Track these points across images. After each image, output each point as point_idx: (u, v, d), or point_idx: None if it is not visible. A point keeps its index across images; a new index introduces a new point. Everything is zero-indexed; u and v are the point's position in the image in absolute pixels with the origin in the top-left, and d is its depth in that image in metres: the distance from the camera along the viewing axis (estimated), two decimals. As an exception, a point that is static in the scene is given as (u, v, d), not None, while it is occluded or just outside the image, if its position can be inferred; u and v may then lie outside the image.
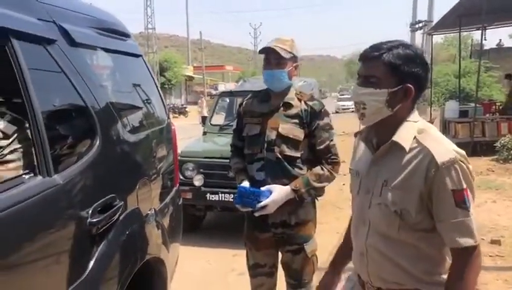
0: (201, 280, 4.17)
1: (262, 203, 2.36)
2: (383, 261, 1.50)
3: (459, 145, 1.47)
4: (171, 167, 2.77)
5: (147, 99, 2.60)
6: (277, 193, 2.39)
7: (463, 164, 1.38)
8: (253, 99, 2.60)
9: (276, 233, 2.54)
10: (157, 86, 2.79)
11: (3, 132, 1.59)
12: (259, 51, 2.49)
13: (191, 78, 48.89)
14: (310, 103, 2.49)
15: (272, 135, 2.45)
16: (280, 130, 2.44)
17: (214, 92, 36.63)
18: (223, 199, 4.94)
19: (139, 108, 2.50)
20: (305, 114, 2.47)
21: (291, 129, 2.45)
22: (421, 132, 1.44)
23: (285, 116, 2.47)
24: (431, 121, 13.53)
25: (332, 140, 2.53)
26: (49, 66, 1.70)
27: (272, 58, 2.42)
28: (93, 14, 2.24)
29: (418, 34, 23.56)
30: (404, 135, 1.43)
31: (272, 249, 2.61)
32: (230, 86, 26.72)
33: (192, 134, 6.38)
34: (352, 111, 16.65)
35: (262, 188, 2.40)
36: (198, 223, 5.78)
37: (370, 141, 1.55)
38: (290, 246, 2.55)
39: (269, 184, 2.43)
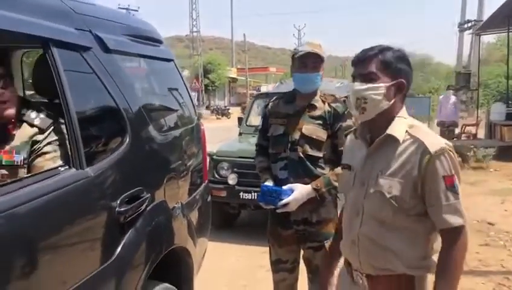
0: (231, 275, 4.33)
1: (283, 201, 2.45)
2: (375, 248, 1.62)
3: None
4: (200, 164, 2.93)
5: (177, 101, 2.78)
6: (298, 191, 2.48)
7: (451, 153, 1.54)
8: (279, 101, 2.71)
9: (298, 230, 2.63)
10: (187, 88, 2.97)
11: (39, 127, 1.79)
12: (298, 55, 2.54)
13: (234, 80, 49.46)
14: (333, 105, 2.57)
15: (296, 135, 2.55)
16: (303, 130, 2.54)
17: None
18: (255, 197, 5.07)
19: (168, 109, 2.68)
20: (329, 116, 2.55)
21: (314, 130, 2.54)
22: (411, 126, 1.60)
23: (310, 118, 2.56)
24: (477, 123, 13.16)
25: None
26: (84, 70, 1.90)
27: (310, 61, 2.51)
28: (128, 22, 2.44)
29: (467, 35, 22.83)
30: (397, 128, 1.59)
31: (294, 245, 2.71)
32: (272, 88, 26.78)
33: (234, 135, 6.56)
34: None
35: (284, 187, 2.49)
36: (232, 221, 5.95)
37: (364, 137, 1.69)
38: (311, 243, 2.63)
39: (291, 183, 2.52)
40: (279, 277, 2.78)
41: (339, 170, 2.56)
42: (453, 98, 12.51)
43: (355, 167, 1.72)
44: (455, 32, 24.02)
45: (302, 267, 2.77)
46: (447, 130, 12.40)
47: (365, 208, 1.64)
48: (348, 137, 1.88)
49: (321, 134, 2.54)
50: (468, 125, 13.28)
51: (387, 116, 1.61)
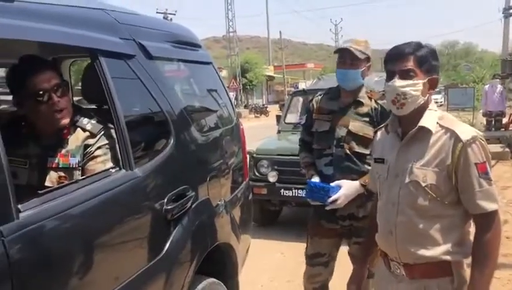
0: (275, 271, 4.40)
1: (333, 198, 2.47)
2: (412, 236, 1.67)
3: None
4: (240, 163, 3.01)
5: (216, 102, 2.87)
6: (346, 188, 2.49)
7: (482, 141, 1.59)
8: (323, 96, 2.72)
9: (344, 225, 2.64)
10: (225, 89, 3.06)
11: (90, 132, 1.92)
12: (335, 51, 2.62)
13: (271, 78, 49.49)
14: (381, 102, 2.56)
15: (342, 132, 2.55)
16: (351, 127, 2.54)
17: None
18: (296, 194, 5.12)
19: (209, 110, 2.78)
20: (375, 113, 2.56)
21: (361, 127, 2.55)
22: (441, 118, 1.66)
23: (356, 114, 2.57)
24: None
25: None
26: (130, 77, 2.01)
27: (347, 58, 2.53)
28: (168, 29, 2.55)
29: (512, 20, 21.83)
30: (429, 121, 1.65)
31: (335, 238, 2.72)
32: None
33: (273, 133, 6.61)
34: (441, 104, 15.74)
35: (332, 184, 2.50)
36: (274, 218, 6.02)
37: (395, 131, 1.75)
38: (357, 238, 2.63)
39: (337, 179, 2.53)
40: (315, 271, 2.77)
41: None
42: (499, 87, 12.07)
43: (388, 160, 1.77)
44: (500, 18, 22.99)
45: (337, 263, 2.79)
46: (494, 120, 12.00)
47: (401, 198, 1.69)
48: (378, 133, 1.93)
49: (368, 131, 2.52)
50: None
51: (420, 110, 1.67)
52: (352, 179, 2.52)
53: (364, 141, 2.54)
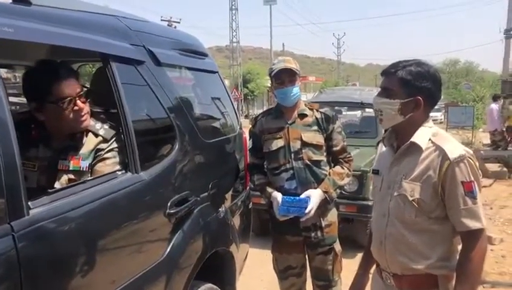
0: (270, 281, 4.39)
1: (308, 209, 2.56)
2: (399, 248, 1.72)
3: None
4: (241, 171, 3.05)
5: (221, 110, 2.92)
6: (315, 197, 2.61)
7: (471, 160, 1.62)
8: (265, 118, 2.85)
9: (307, 236, 2.74)
10: (230, 99, 3.11)
11: (103, 137, 1.97)
12: (272, 73, 2.70)
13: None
14: (322, 110, 2.75)
15: (297, 145, 2.69)
16: (304, 138, 2.69)
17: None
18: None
19: (213, 118, 2.83)
20: (321, 120, 2.72)
21: (313, 136, 2.71)
22: (435, 135, 1.70)
23: (304, 126, 2.72)
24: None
25: (345, 140, 2.78)
26: (139, 82, 2.06)
27: (286, 77, 2.67)
28: (177, 37, 2.61)
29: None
30: (421, 137, 1.69)
31: (302, 251, 2.83)
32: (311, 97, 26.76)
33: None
34: (441, 122, 15.85)
35: (302, 195, 2.61)
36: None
37: (391, 145, 1.81)
38: (322, 248, 2.76)
39: (301, 191, 2.64)
40: (288, 283, 2.89)
41: (338, 169, 2.73)
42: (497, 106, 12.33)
43: (382, 172, 1.84)
44: (501, 39, 23.18)
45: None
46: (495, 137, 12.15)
47: (390, 210, 1.75)
48: (380, 144, 1.99)
49: (319, 139, 2.71)
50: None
51: (412, 126, 1.72)
52: (314, 188, 2.65)
53: (318, 148, 2.71)
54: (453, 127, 13.71)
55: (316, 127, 2.72)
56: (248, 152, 3.00)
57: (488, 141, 13.45)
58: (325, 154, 2.74)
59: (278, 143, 2.73)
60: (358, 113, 7.52)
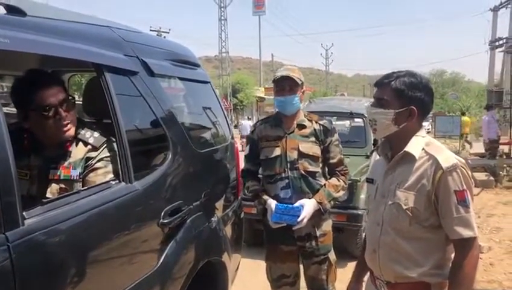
0: (262, 290, 4.39)
1: (301, 218, 2.57)
2: (393, 256, 1.74)
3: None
4: (234, 181, 3.06)
5: (213, 120, 2.93)
6: (308, 206, 2.62)
7: (463, 169, 1.65)
8: (264, 125, 2.86)
9: (302, 246, 2.75)
10: (222, 109, 3.12)
11: (92, 145, 1.97)
12: (274, 80, 2.74)
13: (262, 99, 49.82)
14: (321, 122, 2.77)
15: (294, 155, 2.70)
16: (301, 149, 2.70)
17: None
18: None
19: (206, 127, 2.84)
20: (319, 132, 2.73)
21: (310, 147, 2.71)
22: (428, 144, 1.72)
23: (302, 136, 2.73)
24: (510, 142, 12.92)
25: (342, 153, 2.80)
26: (132, 93, 2.07)
27: (286, 85, 2.69)
28: (169, 48, 2.62)
29: (498, 52, 22.41)
30: (414, 146, 1.71)
31: (296, 260, 2.84)
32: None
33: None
34: (428, 131, 16.04)
35: (296, 204, 2.62)
36: (263, 239, 6.01)
37: (385, 154, 1.83)
38: (316, 258, 2.77)
39: (295, 200, 2.65)
40: None
41: (334, 181, 2.74)
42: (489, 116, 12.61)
43: (377, 180, 1.86)
44: (486, 50, 23.60)
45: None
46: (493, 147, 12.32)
47: (384, 218, 1.77)
48: (373, 154, 2.01)
49: (316, 150, 2.72)
50: (502, 144, 13.05)
51: (406, 136, 1.74)
52: (308, 198, 2.66)
53: (315, 160, 2.72)
54: (440, 136, 13.86)
55: (313, 138, 2.73)
56: (244, 158, 2.99)
57: (476, 150, 13.65)
58: (320, 165, 2.75)
59: (275, 151, 2.74)
60: (347, 123, 7.56)
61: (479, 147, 15.02)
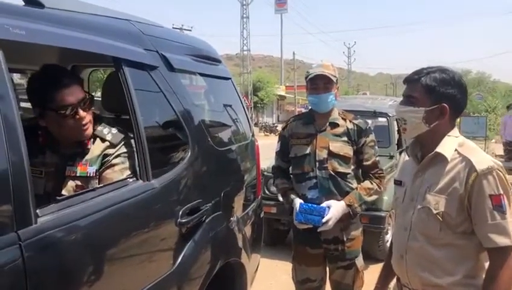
0: (281, 291, 4.32)
1: (326, 219, 2.48)
2: (422, 263, 1.63)
3: None
4: (254, 180, 2.99)
5: (234, 118, 2.87)
6: (335, 208, 2.52)
7: (500, 172, 1.53)
8: (296, 122, 2.77)
9: (328, 249, 2.65)
10: (243, 106, 3.06)
11: (110, 142, 1.92)
12: (308, 77, 2.63)
13: (282, 98, 49.73)
14: (356, 122, 2.65)
15: (323, 154, 2.60)
16: (331, 148, 2.59)
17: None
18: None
19: (226, 125, 2.77)
20: (352, 132, 2.62)
21: (341, 147, 2.60)
22: (461, 145, 1.61)
23: (333, 135, 2.62)
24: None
25: (377, 155, 2.67)
26: (152, 88, 2.01)
27: (321, 83, 2.59)
28: (190, 43, 2.57)
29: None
30: (446, 147, 1.61)
31: (322, 264, 2.74)
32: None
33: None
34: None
35: (322, 204, 2.53)
36: (283, 238, 5.94)
37: (415, 155, 1.72)
38: (342, 262, 2.66)
39: (323, 201, 2.55)
40: None
41: (367, 184, 2.63)
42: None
43: (405, 183, 1.75)
44: (514, 49, 23.02)
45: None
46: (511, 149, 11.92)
47: (413, 223, 1.66)
48: (402, 154, 1.91)
49: (348, 150, 2.60)
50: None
51: (437, 136, 1.63)
52: (337, 200, 2.55)
53: (346, 160, 2.60)
54: (465, 137, 13.52)
55: (345, 138, 2.62)
56: (275, 154, 2.90)
57: (501, 152, 13.23)
58: (352, 167, 2.64)
59: (304, 149, 2.65)
60: (370, 122, 7.44)
61: (498, 149, 14.60)
